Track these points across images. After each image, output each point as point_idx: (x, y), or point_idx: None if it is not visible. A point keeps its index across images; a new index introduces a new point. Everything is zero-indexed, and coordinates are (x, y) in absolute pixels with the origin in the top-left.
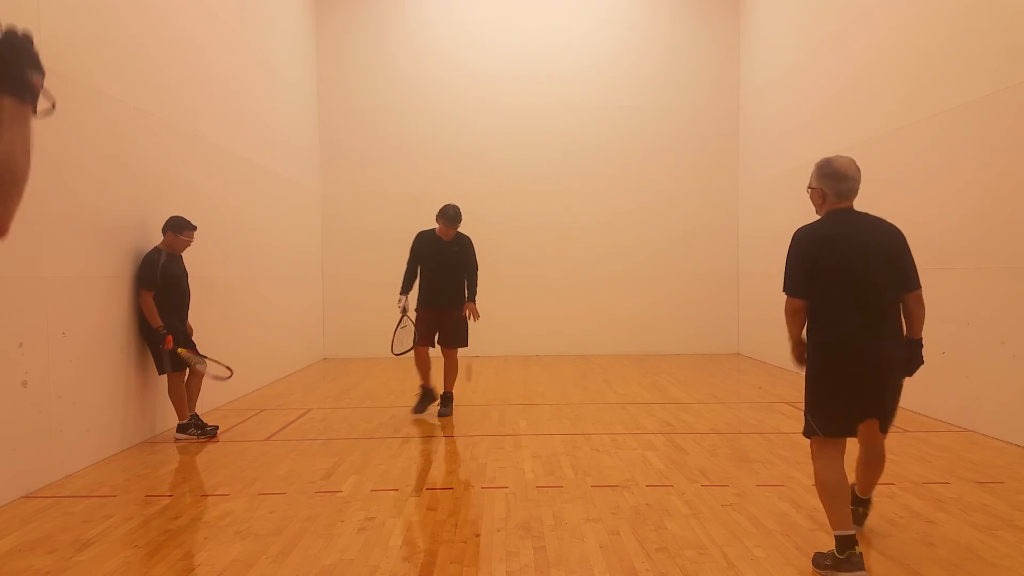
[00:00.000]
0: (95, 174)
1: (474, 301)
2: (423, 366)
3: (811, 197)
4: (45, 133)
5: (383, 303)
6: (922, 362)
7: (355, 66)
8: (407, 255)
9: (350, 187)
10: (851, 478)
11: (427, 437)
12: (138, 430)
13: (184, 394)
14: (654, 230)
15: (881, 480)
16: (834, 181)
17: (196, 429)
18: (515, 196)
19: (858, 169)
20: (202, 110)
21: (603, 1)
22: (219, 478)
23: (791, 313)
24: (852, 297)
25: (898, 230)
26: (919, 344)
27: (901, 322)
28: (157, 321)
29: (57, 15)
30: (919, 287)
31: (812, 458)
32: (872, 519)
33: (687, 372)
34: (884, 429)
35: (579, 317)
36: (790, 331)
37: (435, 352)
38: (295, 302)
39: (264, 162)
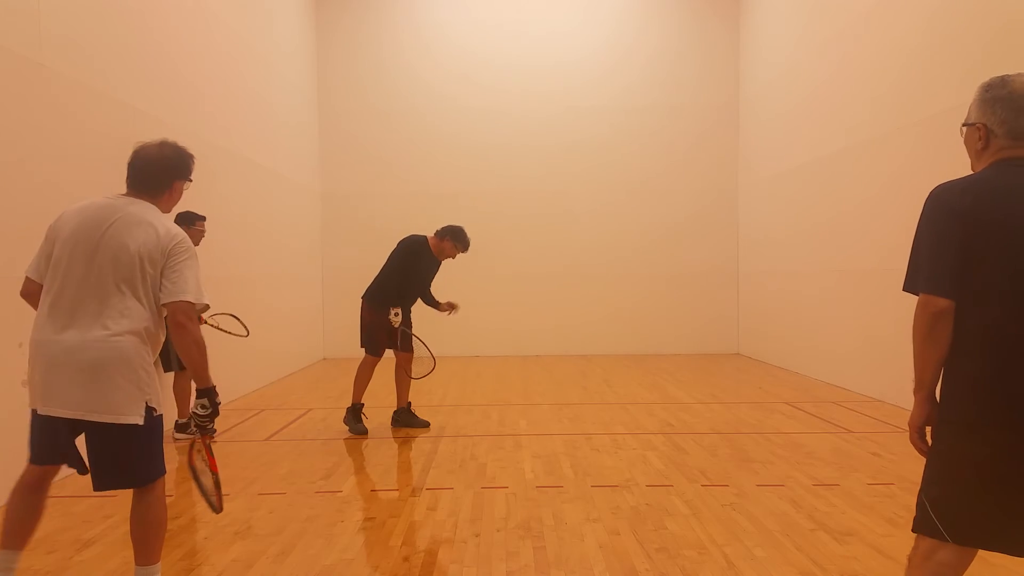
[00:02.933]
0: (95, 174)
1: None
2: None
3: (966, 142)
4: (45, 133)
5: None
6: None
7: (355, 66)
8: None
9: (350, 187)
10: None
11: (427, 437)
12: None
13: (190, 389)
14: (654, 230)
15: (881, 480)
16: (1009, 111)
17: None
18: (515, 195)
19: None
20: (202, 110)
21: (607, 4)
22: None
23: (928, 322)
24: None
25: None
26: None
27: None
28: None
29: (57, 15)
30: None
31: (911, 564)
32: (872, 519)
33: (687, 372)
34: None
35: (579, 317)
36: (922, 357)
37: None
38: (295, 302)
39: (264, 162)
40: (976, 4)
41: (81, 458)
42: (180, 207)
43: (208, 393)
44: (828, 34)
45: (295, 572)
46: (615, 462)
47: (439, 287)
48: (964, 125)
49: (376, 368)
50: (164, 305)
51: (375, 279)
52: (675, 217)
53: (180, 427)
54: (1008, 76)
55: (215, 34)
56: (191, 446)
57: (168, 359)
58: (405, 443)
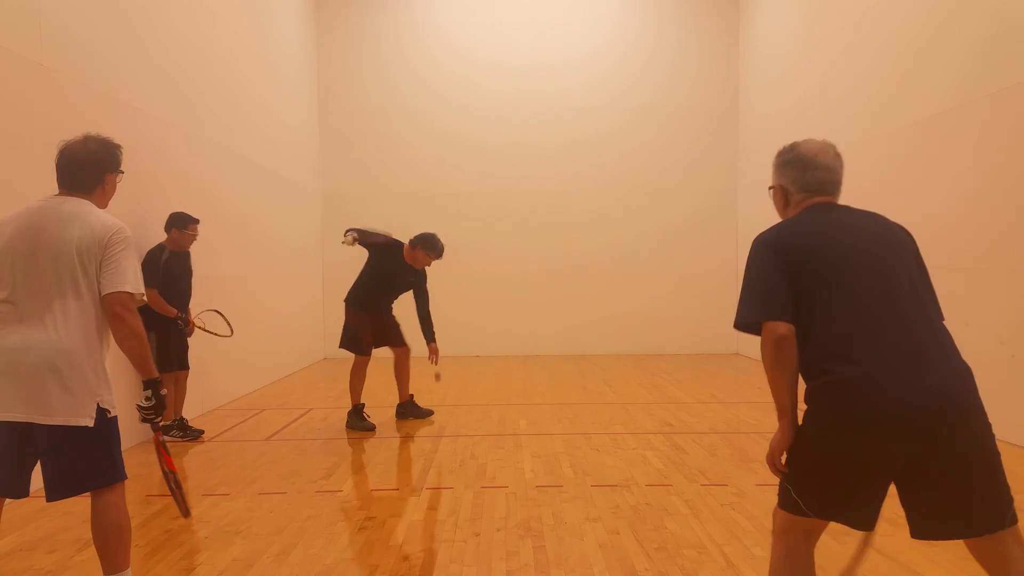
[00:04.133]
0: None
1: (435, 341)
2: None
3: (773, 201)
4: (44, 134)
5: None
6: None
7: (355, 66)
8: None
9: (350, 187)
10: None
11: (427, 437)
12: (138, 431)
13: (174, 395)
14: (654, 230)
15: None
16: (798, 170)
17: (179, 431)
18: (515, 195)
19: (837, 156)
20: (202, 110)
21: (607, 3)
22: (219, 478)
23: (773, 348)
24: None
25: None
26: None
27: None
28: (171, 311)
29: (57, 15)
30: None
31: (774, 534)
32: None
33: (686, 372)
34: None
35: (579, 317)
36: (776, 384)
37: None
38: (295, 302)
39: (264, 162)
40: (974, 5)
41: (24, 482)
42: (176, 206)
43: (153, 384)
44: (827, 34)
45: (295, 572)
46: (615, 462)
47: (437, 289)
48: (769, 188)
49: (376, 368)
50: (103, 297)
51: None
52: (675, 217)
53: (164, 429)
54: (796, 142)
55: (215, 34)
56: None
57: (168, 359)
58: (405, 443)
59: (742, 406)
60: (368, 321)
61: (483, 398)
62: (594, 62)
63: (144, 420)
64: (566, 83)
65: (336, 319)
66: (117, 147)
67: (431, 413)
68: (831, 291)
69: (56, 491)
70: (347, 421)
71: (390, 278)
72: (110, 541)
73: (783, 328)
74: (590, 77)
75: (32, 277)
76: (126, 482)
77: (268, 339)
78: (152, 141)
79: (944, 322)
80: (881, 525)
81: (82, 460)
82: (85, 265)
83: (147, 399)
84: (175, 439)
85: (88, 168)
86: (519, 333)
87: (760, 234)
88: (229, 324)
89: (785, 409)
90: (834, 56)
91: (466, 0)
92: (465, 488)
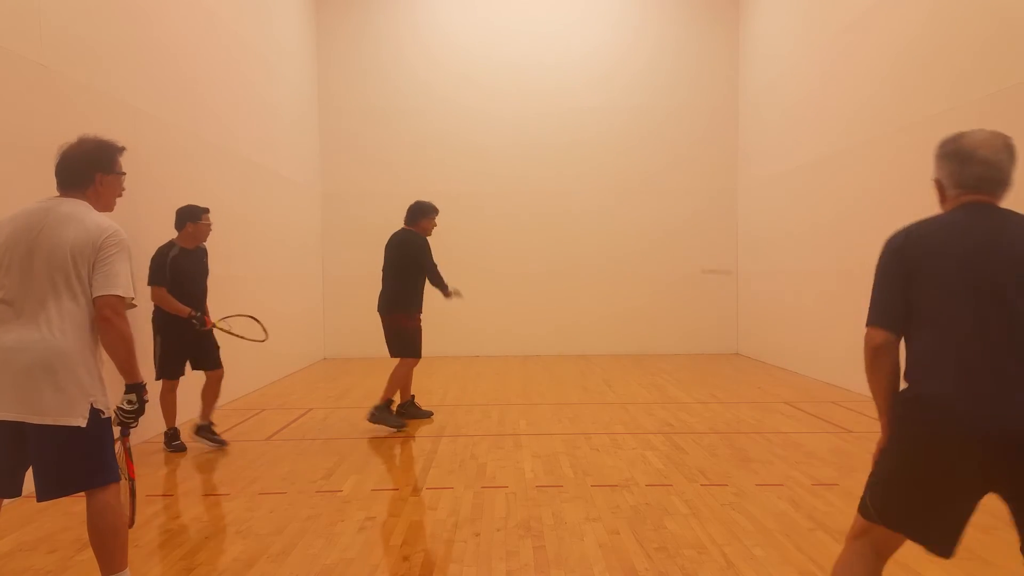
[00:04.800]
0: None
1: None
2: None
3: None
4: (44, 134)
5: None
6: None
7: (355, 66)
8: (417, 256)
9: (350, 187)
10: None
11: (427, 437)
12: (138, 431)
13: (174, 402)
14: (654, 230)
15: None
16: (956, 164)
17: (207, 435)
18: (515, 195)
19: (1007, 148)
20: (202, 110)
21: (607, 3)
22: (219, 478)
23: (869, 355)
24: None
25: None
26: None
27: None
28: (184, 309)
29: (57, 15)
30: None
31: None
32: None
33: (686, 372)
34: None
35: (579, 317)
36: (872, 387)
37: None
38: (295, 302)
39: (264, 162)
40: (973, 5)
41: (17, 482)
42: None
43: (136, 389)
44: (827, 34)
45: (295, 572)
46: (615, 462)
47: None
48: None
49: (376, 368)
50: (94, 299)
51: (391, 287)
52: (675, 217)
53: (200, 430)
54: (962, 132)
55: (215, 34)
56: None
57: (206, 359)
58: (405, 443)
59: (742, 406)
60: (417, 323)
61: (483, 398)
62: (594, 62)
63: (121, 423)
64: (566, 83)
65: (336, 319)
66: (114, 148)
67: (430, 415)
68: (936, 303)
69: (47, 491)
70: (377, 416)
71: (433, 265)
72: (106, 542)
73: (880, 337)
74: (590, 77)
75: (29, 277)
76: (125, 481)
77: (268, 339)
78: (152, 141)
79: None
80: None
81: (74, 460)
82: (78, 267)
83: (129, 403)
84: (209, 442)
85: (79, 167)
86: (519, 333)
87: (894, 233)
88: (265, 329)
89: (881, 410)
90: (834, 56)
91: (466, 0)
92: (465, 488)
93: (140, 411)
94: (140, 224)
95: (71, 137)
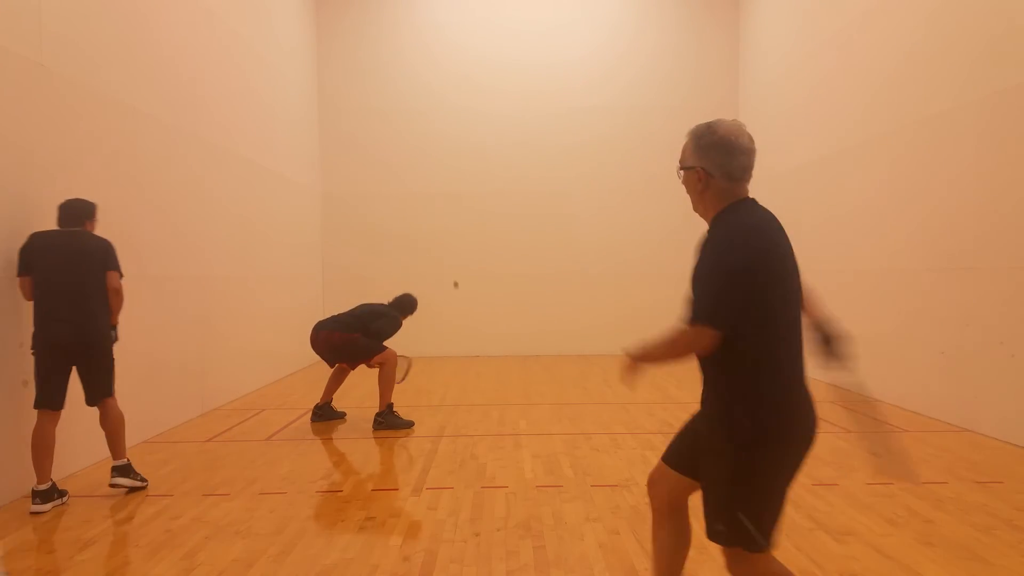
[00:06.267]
0: (95, 174)
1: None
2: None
3: (685, 184)
4: (44, 134)
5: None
6: None
7: (355, 66)
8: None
9: (350, 187)
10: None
11: (427, 437)
12: (138, 431)
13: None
14: (654, 230)
15: (880, 480)
16: (724, 155)
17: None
18: (515, 195)
19: (751, 139)
20: (202, 110)
21: (606, 3)
22: (220, 478)
23: (691, 349)
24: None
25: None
26: None
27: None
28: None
29: (57, 15)
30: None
31: None
32: (872, 519)
33: (686, 372)
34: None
35: (579, 317)
36: (663, 361)
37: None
38: (295, 302)
39: (264, 162)
40: (975, 5)
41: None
42: (176, 206)
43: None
44: (827, 34)
45: (295, 572)
46: (615, 462)
47: (437, 290)
48: (679, 171)
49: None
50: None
51: (357, 330)
52: (675, 217)
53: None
54: (713, 122)
55: (215, 34)
56: None
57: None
58: (405, 443)
59: None
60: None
61: (483, 398)
62: (594, 62)
63: None
64: (566, 83)
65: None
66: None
67: (411, 425)
68: (776, 296)
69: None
70: (381, 422)
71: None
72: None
73: (713, 336)
74: (590, 77)
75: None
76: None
77: (268, 339)
78: (152, 141)
79: None
80: (881, 525)
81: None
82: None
83: None
84: (60, 501)
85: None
86: (519, 333)
87: (732, 256)
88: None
89: (651, 365)
90: (834, 56)
91: (466, 0)
92: (465, 488)
93: None
94: (139, 224)
95: (70, 137)
